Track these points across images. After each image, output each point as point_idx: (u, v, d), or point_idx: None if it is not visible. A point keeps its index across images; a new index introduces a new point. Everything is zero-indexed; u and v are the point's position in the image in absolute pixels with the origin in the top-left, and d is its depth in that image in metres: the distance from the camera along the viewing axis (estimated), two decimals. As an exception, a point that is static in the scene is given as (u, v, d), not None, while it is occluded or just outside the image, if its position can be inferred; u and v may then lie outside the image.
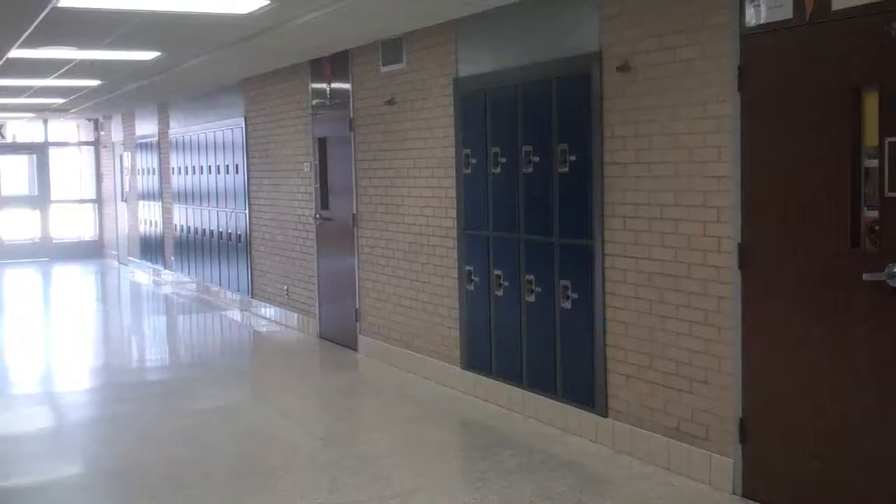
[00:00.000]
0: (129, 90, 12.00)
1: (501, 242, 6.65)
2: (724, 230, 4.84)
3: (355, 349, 8.90)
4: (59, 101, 13.83)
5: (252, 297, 11.54)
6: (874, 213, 4.16)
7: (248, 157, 11.45)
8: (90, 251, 19.48)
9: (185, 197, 13.75)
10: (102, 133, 19.24)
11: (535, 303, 6.30)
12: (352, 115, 8.79)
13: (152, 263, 15.71)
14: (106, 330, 11.59)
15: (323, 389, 8.05)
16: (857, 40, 4.17)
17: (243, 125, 11.48)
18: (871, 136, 4.17)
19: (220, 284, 12.52)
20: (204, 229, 13.02)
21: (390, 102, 7.98)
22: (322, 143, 9.58)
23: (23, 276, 17.01)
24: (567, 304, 5.99)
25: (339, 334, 9.29)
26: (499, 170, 6.61)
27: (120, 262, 18.00)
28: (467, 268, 7.06)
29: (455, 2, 6.43)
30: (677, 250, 5.15)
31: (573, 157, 5.88)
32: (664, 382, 5.29)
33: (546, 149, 6.11)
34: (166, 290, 14.43)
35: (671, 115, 5.13)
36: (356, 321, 8.87)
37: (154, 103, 14.74)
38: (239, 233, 11.79)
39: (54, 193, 19.53)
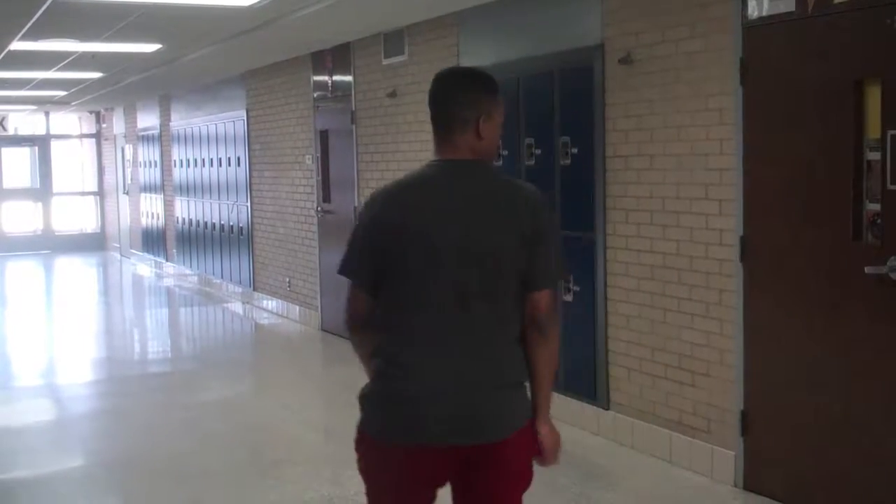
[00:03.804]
0: (130, 83, 12.00)
1: (503, 235, 6.63)
2: (726, 223, 4.84)
3: (357, 342, 8.89)
4: (61, 93, 13.82)
5: (254, 290, 11.55)
6: (876, 207, 4.15)
7: (249, 150, 11.45)
8: (92, 244, 19.48)
9: (187, 189, 13.75)
10: (104, 125, 19.24)
11: None
12: (353, 107, 8.78)
13: (154, 256, 15.72)
14: (108, 323, 11.60)
15: (325, 382, 8.05)
16: (859, 33, 4.16)
17: (245, 118, 11.48)
18: (873, 128, 4.16)
19: (222, 277, 12.53)
20: (206, 222, 13.02)
21: (392, 95, 7.97)
22: (324, 136, 9.57)
23: (24, 269, 17.01)
24: (569, 297, 5.99)
25: (341, 327, 9.28)
26: (500, 162, 6.60)
27: (122, 255, 18.01)
28: (469, 260, 7.04)
29: (457, -6, 6.44)
30: (679, 243, 5.15)
31: (575, 150, 5.87)
32: (666, 375, 5.29)
33: (548, 141, 6.10)
34: (168, 282, 14.44)
35: (673, 107, 5.13)
36: (358, 314, 8.85)
37: (156, 96, 14.73)
38: (241, 225, 11.79)
39: (56, 186, 19.53)
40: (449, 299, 2.56)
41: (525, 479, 2.71)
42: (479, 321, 2.57)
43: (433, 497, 2.69)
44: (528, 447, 2.68)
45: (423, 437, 2.56)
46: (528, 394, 2.69)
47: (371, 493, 2.71)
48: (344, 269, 2.72)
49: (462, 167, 2.68)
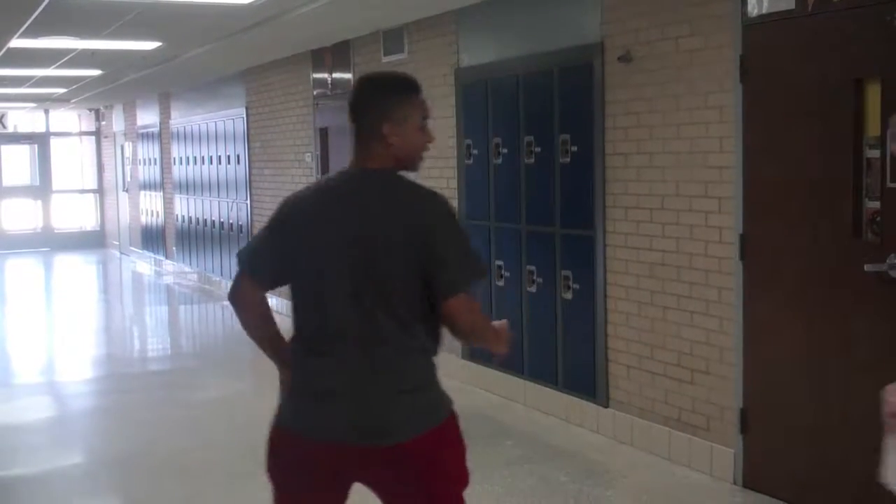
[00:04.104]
0: (130, 80, 11.99)
1: (503, 233, 6.65)
2: (726, 221, 4.84)
3: (357, 339, 8.89)
4: (61, 90, 13.82)
5: (253, 288, 11.52)
6: (876, 204, 4.16)
7: (249, 148, 11.44)
8: (92, 241, 19.48)
9: (187, 187, 13.75)
10: (104, 123, 19.22)
11: (536, 293, 6.30)
12: (353, 105, 8.77)
13: (154, 254, 15.72)
14: (107, 320, 11.60)
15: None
16: (858, 31, 4.16)
17: (245, 115, 11.47)
18: (872, 126, 4.16)
19: (222, 274, 12.52)
20: (205, 219, 13.02)
21: None
22: (323, 133, 9.57)
23: (24, 267, 17.02)
24: (568, 295, 6.00)
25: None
26: (500, 160, 6.61)
27: (121, 253, 18.01)
28: (469, 258, 7.04)
29: (456, -8, 6.43)
30: (679, 241, 5.15)
31: (575, 148, 5.87)
32: (665, 373, 5.29)
33: (548, 139, 6.10)
34: (168, 280, 14.44)
35: (673, 105, 5.13)
36: (357, 311, 8.85)
37: (155, 93, 14.73)
38: (240, 223, 11.78)
39: (56, 183, 19.52)
40: (346, 307, 2.61)
41: (441, 483, 2.68)
42: (378, 328, 2.60)
43: (341, 497, 2.72)
44: (440, 450, 2.67)
45: (325, 435, 2.61)
46: (437, 396, 2.70)
47: (278, 489, 2.73)
48: (242, 259, 2.84)
49: (364, 176, 2.69)
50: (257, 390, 7.65)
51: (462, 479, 2.75)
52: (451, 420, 2.72)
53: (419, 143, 2.73)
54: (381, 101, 2.68)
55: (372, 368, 2.60)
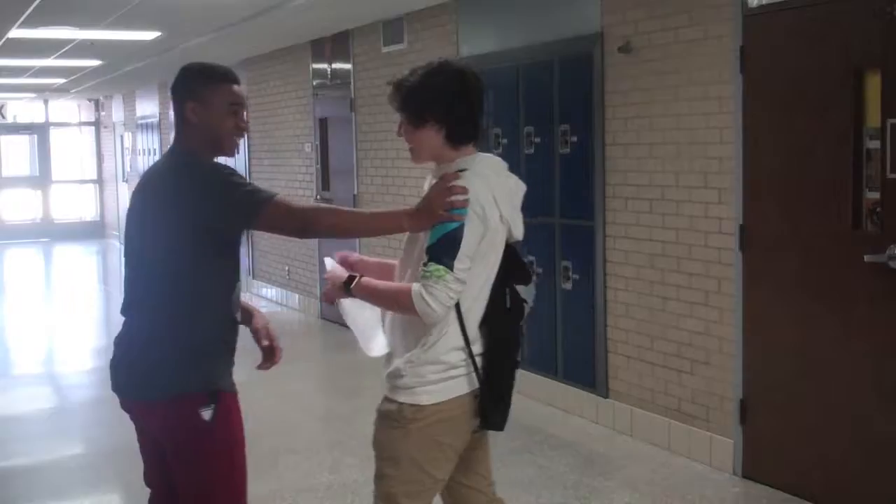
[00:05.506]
0: (129, 70, 11.98)
1: (502, 223, 6.63)
2: (726, 211, 4.83)
3: (356, 330, 8.89)
4: (60, 81, 13.80)
5: (253, 278, 11.55)
6: (875, 195, 4.16)
7: (248, 138, 11.42)
8: (91, 232, 19.47)
9: (186, 177, 13.71)
10: (103, 113, 19.20)
11: (536, 284, 6.29)
12: (353, 95, 8.77)
13: (153, 244, 15.69)
14: (107, 310, 11.60)
15: (324, 370, 8.05)
16: (858, 21, 4.15)
17: (244, 105, 11.44)
18: (872, 117, 4.16)
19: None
20: (205, 210, 12.98)
21: (391, 83, 7.93)
22: (323, 124, 9.56)
23: (24, 257, 17.01)
24: (568, 285, 6.00)
25: (341, 315, 9.27)
26: (500, 150, 6.59)
27: (121, 243, 17.99)
28: (468, 249, 7.04)
29: (456, -18, 6.41)
30: (678, 231, 5.15)
31: (574, 138, 5.86)
32: (665, 363, 5.29)
33: (547, 130, 6.09)
34: (168, 270, 14.40)
35: (673, 95, 5.12)
36: (357, 302, 8.85)
37: (155, 83, 14.71)
38: (240, 213, 11.75)
39: (55, 174, 19.51)
40: (126, 274, 2.94)
41: (187, 455, 2.96)
42: (138, 297, 2.89)
43: (154, 452, 3.03)
44: (171, 426, 2.92)
45: (115, 389, 3.02)
46: (173, 370, 2.90)
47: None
48: None
49: (162, 158, 2.98)
50: (256, 381, 7.64)
51: (192, 455, 3.00)
52: (188, 399, 2.98)
53: (225, 126, 2.90)
54: (189, 84, 2.88)
55: (127, 329, 2.91)
